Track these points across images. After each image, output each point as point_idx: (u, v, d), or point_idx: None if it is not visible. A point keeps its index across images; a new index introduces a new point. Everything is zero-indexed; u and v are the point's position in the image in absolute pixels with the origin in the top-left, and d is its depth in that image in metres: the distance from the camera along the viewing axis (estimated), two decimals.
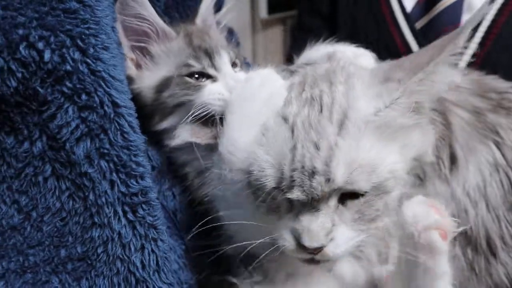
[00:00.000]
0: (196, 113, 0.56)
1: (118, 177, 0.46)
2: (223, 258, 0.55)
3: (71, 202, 0.46)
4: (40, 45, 0.42)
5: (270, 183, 0.47)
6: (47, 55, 0.42)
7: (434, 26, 1.04)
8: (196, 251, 0.54)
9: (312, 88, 0.51)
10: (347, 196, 0.47)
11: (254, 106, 0.52)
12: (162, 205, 0.56)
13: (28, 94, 0.43)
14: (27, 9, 0.42)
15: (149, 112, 0.59)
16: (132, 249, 0.46)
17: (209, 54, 0.60)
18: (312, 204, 0.47)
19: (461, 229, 0.49)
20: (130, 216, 0.46)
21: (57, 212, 0.46)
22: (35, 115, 0.44)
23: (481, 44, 0.98)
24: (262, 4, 1.96)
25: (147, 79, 0.59)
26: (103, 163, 0.45)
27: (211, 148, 0.55)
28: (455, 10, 1.02)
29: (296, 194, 0.46)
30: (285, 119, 0.49)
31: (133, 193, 0.46)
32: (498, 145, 0.59)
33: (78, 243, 0.47)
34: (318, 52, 0.66)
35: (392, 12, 1.08)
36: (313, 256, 0.48)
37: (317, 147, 0.46)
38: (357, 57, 0.61)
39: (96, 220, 0.46)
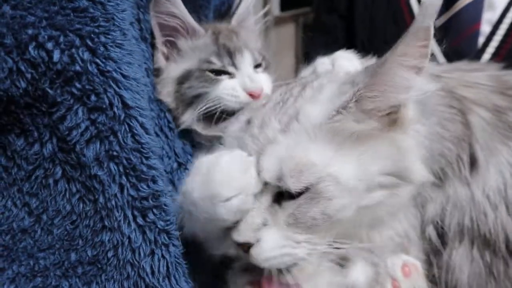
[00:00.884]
0: (208, 106, 0.59)
1: (128, 180, 0.44)
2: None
3: (81, 205, 0.45)
4: (50, 45, 0.41)
5: None
6: (56, 56, 0.41)
7: (454, 25, 1.02)
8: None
9: (286, 92, 0.51)
10: (282, 196, 0.46)
11: None
12: None
13: (37, 95, 0.42)
14: (36, 8, 0.42)
15: (174, 106, 0.62)
16: (142, 254, 0.45)
17: (231, 53, 0.62)
18: None
19: None
20: (139, 220, 0.45)
21: (67, 215, 0.45)
22: (45, 116, 0.43)
23: (502, 41, 0.96)
24: (275, 1, 1.95)
25: (172, 71, 0.62)
26: (112, 166, 0.44)
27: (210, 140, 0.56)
28: (476, 8, 1.00)
29: None
30: (249, 121, 0.50)
31: (143, 197, 0.45)
32: None
33: (89, 247, 0.46)
34: (322, 65, 0.63)
35: (411, 11, 1.06)
36: (246, 257, 0.47)
37: (256, 139, 0.47)
38: (334, 61, 0.59)
39: (106, 223, 0.45)
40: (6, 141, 0.45)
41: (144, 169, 0.45)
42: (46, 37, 0.41)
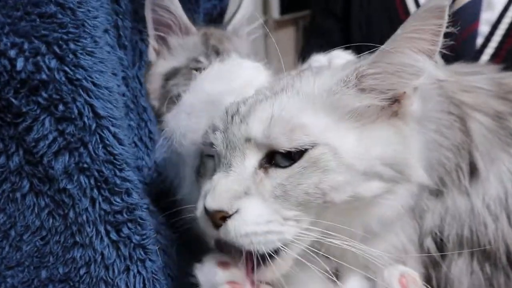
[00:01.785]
0: None
1: (100, 194, 0.42)
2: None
3: (51, 220, 0.43)
4: (12, 53, 0.39)
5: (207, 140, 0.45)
6: (19, 64, 0.39)
7: (452, 24, 1.00)
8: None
9: (292, 78, 0.48)
10: (270, 163, 0.41)
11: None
12: None
13: (1, 105, 0.40)
14: None
15: (158, 105, 0.63)
16: (116, 271, 0.43)
17: (219, 54, 0.64)
18: (228, 157, 0.41)
19: None
20: (113, 235, 0.43)
21: (36, 231, 0.43)
22: (10, 127, 0.41)
23: (501, 42, 0.94)
24: (275, 4, 1.94)
25: (161, 67, 0.63)
26: (82, 179, 0.42)
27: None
28: (474, 7, 0.98)
29: (214, 137, 0.43)
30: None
31: (117, 211, 0.43)
32: None
33: (60, 264, 0.44)
34: (316, 62, 0.64)
35: (407, 12, 1.05)
36: (219, 234, 0.40)
37: (251, 99, 0.44)
38: (330, 59, 0.59)
39: (77, 239, 0.43)
40: None
41: (118, 181, 0.43)
42: (8, 44, 0.39)
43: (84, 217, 0.42)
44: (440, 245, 0.54)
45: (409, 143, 0.45)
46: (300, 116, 0.41)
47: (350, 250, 0.44)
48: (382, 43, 1.16)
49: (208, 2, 0.80)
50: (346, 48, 1.11)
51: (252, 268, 0.40)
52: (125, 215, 0.43)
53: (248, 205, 0.39)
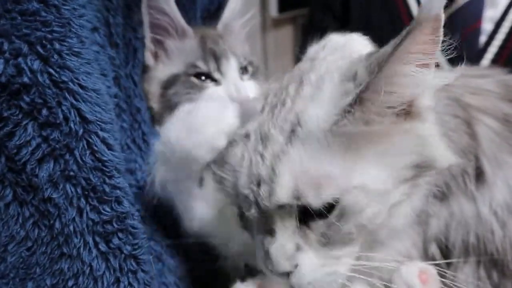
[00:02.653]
0: None
1: (88, 203, 0.40)
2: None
3: (36, 230, 0.41)
4: None
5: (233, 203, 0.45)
6: None
7: (454, 23, 0.99)
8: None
9: (281, 91, 0.46)
10: (308, 216, 0.42)
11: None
12: None
13: None
14: None
15: (160, 111, 0.61)
16: (106, 283, 0.41)
17: (217, 58, 0.62)
18: (268, 223, 0.43)
19: None
20: (102, 247, 0.41)
21: (22, 241, 0.41)
22: None
23: (506, 40, 0.92)
24: (273, 2, 1.92)
25: (159, 72, 0.62)
26: (69, 187, 0.40)
27: None
28: (477, 5, 0.98)
29: (248, 209, 0.43)
30: (246, 133, 0.45)
31: (106, 220, 0.41)
32: None
33: (47, 275, 0.41)
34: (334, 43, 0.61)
35: (408, 9, 1.03)
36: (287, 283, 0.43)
37: (262, 156, 0.42)
38: (347, 42, 0.54)
39: (65, 250, 0.41)
40: None
41: (107, 189, 0.41)
42: None
43: (71, 227, 0.40)
44: (446, 252, 0.52)
45: (430, 138, 0.44)
46: (320, 167, 0.40)
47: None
48: (382, 42, 1.14)
49: None
50: None
51: None
52: (115, 224, 0.41)
53: (302, 260, 0.42)
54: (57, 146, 0.39)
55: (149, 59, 0.62)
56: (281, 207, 0.41)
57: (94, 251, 0.41)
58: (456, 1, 0.98)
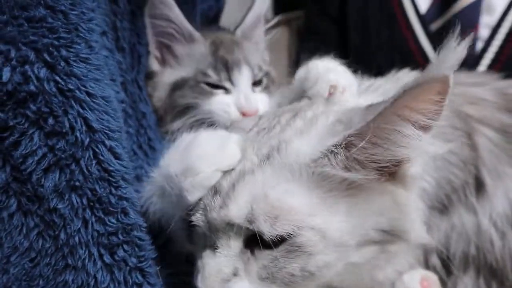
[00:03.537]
0: (198, 117, 0.58)
1: (93, 214, 0.39)
2: None
3: (40, 241, 0.40)
4: None
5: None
6: (5, 74, 0.36)
7: (451, 28, 0.99)
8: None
9: (274, 118, 0.45)
10: (255, 242, 0.39)
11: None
12: None
13: None
14: None
15: (162, 113, 0.61)
16: None
17: (229, 67, 0.61)
18: (212, 237, 0.41)
19: None
20: (107, 259, 0.40)
21: (25, 252, 0.40)
22: None
23: (502, 47, 0.93)
24: (268, 5, 1.92)
25: (167, 76, 0.61)
26: (74, 198, 0.39)
27: None
28: (474, 11, 0.98)
29: (196, 217, 0.41)
30: None
31: (111, 232, 0.40)
32: None
33: (51, 287, 0.40)
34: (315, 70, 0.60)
35: (404, 13, 1.04)
36: None
37: (232, 171, 0.41)
38: (326, 72, 0.53)
39: (69, 262, 0.40)
40: None
41: (113, 200, 0.40)
42: None
43: (76, 238, 0.39)
44: (446, 263, 0.53)
45: (408, 208, 0.42)
46: (284, 198, 0.39)
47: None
48: (379, 45, 1.14)
49: (204, 3, 0.77)
50: (342, 52, 1.10)
51: None
52: (120, 236, 0.40)
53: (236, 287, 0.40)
54: (63, 155, 0.38)
55: (154, 64, 0.61)
56: (230, 224, 0.40)
57: (99, 263, 0.40)
58: (453, 7, 0.98)
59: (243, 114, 0.58)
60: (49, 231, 0.39)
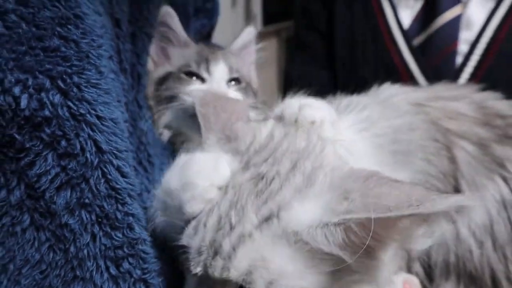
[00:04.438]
0: (177, 104, 0.64)
1: (101, 229, 0.42)
2: None
3: (51, 254, 0.42)
4: (17, 90, 0.38)
5: (183, 239, 0.44)
6: (24, 102, 0.38)
7: (433, 43, 1.03)
8: None
9: (272, 165, 0.45)
10: None
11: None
12: None
13: (4, 141, 0.39)
14: (2, 49, 0.39)
15: (154, 110, 0.65)
16: None
17: (208, 61, 0.67)
18: (208, 283, 0.43)
19: None
20: (113, 270, 0.42)
21: (36, 264, 0.42)
22: (12, 162, 0.40)
23: (480, 61, 0.96)
24: (257, 16, 1.94)
25: (157, 73, 0.68)
26: (84, 214, 0.42)
27: None
28: (453, 27, 1.02)
29: (193, 266, 0.43)
30: (227, 186, 0.45)
31: (117, 246, 0.43)
32: (505, 180, 0.57)
33: None
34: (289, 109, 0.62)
35: (389, 29, 1.07)
36: None
37: (231, 227, 0.42)
38: (302, 108, 0.55)
39: (78, 273, 0.42)
40: None
41: (119, 216, 0.43)
42: (13, 81, 0.38)
43: (85, 251, 0.42)
44: (428, 270, 0.56)
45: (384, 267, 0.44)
46: (280, 263, 0.40)
47: None
48: (365, 60, 1.17)
49: (198, 21, 0.81)
50: (329, 65, 1.12)
51: None
52: (126, 250, 0.43)
53: None
54: (74, 175, 0.41)
55: (150, 64, 0.67)
56: (228, 280, 0.42)
57: (106, 275, 0.42)
58: (434, 23, 1.02)
59: None
60: (59, 244, 0.42)
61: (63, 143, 0.41)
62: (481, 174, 0.57)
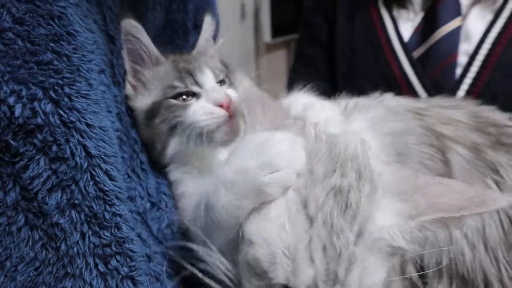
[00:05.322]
0: (190, 132, 0.59)
1: (90, 228, 0.45)
2: None
3: (44, 252, 0.45)
4: (11, 100, 0.42)
5: (278, 277, 0.42)
6: (18, 111, 0.42)
7: (432, 56, 1.04)
8: None
9: (342, 176, 0.45)
10: None
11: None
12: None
13: (1, 147, 0.43)
14: None
15: (150, 142, 0.62)
16: None
17: (192, 73, 0.63)
18: None
19: None
20: (101, 267, 0.45)
21: (30, 262, 0.46)
22: (8, 166, 0.44)
23: (479, 73, 0.97)
24: (266, 28, 1.99)
25: (139, 103, 0.63)
26: (74, 214, 0.45)
27: None
28: (452, 39, 1.03)
29: None
30: (305, 206, 0.44)
31: (106, 244, 0.46)
32: (498, 184, 0.58)
33: None
34: (296, 102, 0.64)
35: (389, 41, 1.08)
36: None
37: (340, 254, 0.42)
38: (306, 110, 0.58)
39: (69, 270, 0.45)
40: None
41: (107, 216, 0.46)
42: (8, 91, 0.42)
43: (75, 249, 0.45)
44: (421, 272, 0.57)
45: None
46: (376, 272, 0.44)
47: None
48: (365, 71, 1.19)
49: (197, 35, 0.84)
50: (332, 77, 1.14)
51: None
52: (113, 248, 0.46)
53: None
54: (64, 178, 0.44)
55: (128, 89, 0.62)
56: None
57: (94, 271, 0.45)
58: (434, 35, 1.03)
59: (221, 106, 0.60)
60: (51, 243, 0.45)
61: (54, 148, 0.44)
62: (475, 178, 0.58)
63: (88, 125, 0.46)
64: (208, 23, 0.73)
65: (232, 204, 0.46)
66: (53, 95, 0.44)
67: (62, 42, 0.45)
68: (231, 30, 0.89)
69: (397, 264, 0.55)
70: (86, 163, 0.45)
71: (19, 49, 0.43)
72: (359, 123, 0.61)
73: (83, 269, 0.45)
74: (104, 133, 0.47)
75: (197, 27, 0.83)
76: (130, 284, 0.47)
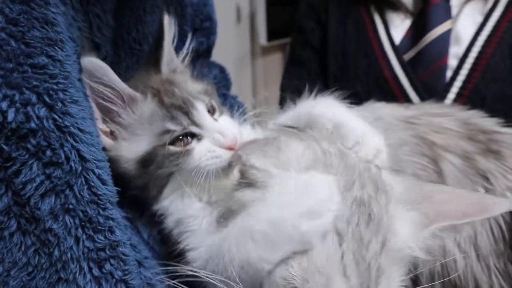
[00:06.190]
0: (195, 178, 0.55)
1: (84, 233, 0.45)
2: None
3: (37, 257, 0.45)
4: (4, 105, 0.42)
5: None
6: (10, 115, 0.42)
7: (423, 58, 1.05)
8: None
9: (362, 187, 0.46)
10: None
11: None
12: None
13: None
14: None
15: (139, 184, 0.57)
16: None
17: (185, 111, 0.56)
18: None
19: None
20: (95, 271, 0.45)
21: (23, 267, 0.45)
22: (0, 171, 0.43)
23: (469, 76, 0.98)
24: (262, 31, 1.99)
25: (126, 151, 0.56)
26: (68, 219, 0.45)
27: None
28: (443, 42, 1.03)
29: None
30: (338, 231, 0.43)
31: (100, 248, 0.46)
32: (488, 192, 0.59)
33: None
34: (304, 109, 0.63)
35: (380, 44, 1.08)
36: None
37: (369, 266, 0.42)
38: (337, 128, 0.56)
39: (62, 275, 0.45)
40: None
41: (101, 220, 0.46)
42: (0, 96, 0.42)
43: (69, 254, 0.45)
44: (415, 280, 0.57)
45: None
46: (397, 281, 0.45)
47: None
48: (357, 75, 1.19)
49: (195, 41, 0.83)
50: (324, 81, 1.15)
51: None
52: (107, 252, 0.46)
53: None
54: (58, 182, 0.44)
55: (105, 140, 0.55)
56: None
57: (88, 276, 0.45)
58: (425, 38, 1.04)
59: (229, 149, 0.55)
60: (44, 248, 0.45)
61: (48, 152, 0.44)
62: (466, 186, 0.59)
63: (80, 129, 0.46)
64: (168, 23, 0.64)
65: (261, 257, 0.44)
66: (47, 99, 0.44)
67: (56, 47, 0.45)
68: (227, 33, 0.88)
69: None
70: (80, 168, 0.45)
71: (13, 50, 0.43)
72: None
73: (77, 274, 0.45)
74: (93, 138, 0.47)
75: (196, 31, 0.83)
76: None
